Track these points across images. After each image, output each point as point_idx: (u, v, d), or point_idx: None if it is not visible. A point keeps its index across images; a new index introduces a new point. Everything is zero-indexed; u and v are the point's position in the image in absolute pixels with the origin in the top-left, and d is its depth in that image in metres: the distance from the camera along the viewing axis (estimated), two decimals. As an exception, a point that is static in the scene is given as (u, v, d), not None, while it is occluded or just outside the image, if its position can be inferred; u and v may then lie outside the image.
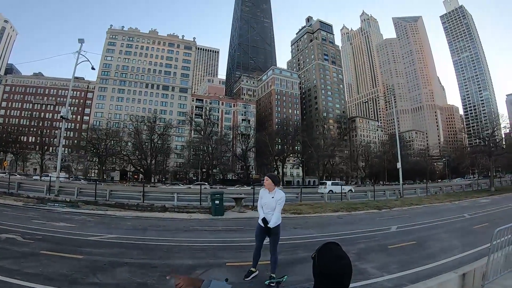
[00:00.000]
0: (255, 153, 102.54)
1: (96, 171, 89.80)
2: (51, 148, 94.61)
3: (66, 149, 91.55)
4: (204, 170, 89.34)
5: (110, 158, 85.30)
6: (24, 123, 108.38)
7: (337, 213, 19.03)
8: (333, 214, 18.66)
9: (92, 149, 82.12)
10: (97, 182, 37.95)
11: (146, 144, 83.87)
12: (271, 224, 5.80)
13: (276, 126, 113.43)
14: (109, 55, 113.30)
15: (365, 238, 10.72)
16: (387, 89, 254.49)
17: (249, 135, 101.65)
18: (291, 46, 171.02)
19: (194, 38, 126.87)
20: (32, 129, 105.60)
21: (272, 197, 5.86)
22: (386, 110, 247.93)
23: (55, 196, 23.99)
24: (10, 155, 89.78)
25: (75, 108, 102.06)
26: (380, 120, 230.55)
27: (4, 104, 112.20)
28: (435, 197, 30.65)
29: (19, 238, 9.20)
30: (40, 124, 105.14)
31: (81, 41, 28.24)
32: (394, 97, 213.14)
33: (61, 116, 28.13)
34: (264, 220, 5.84)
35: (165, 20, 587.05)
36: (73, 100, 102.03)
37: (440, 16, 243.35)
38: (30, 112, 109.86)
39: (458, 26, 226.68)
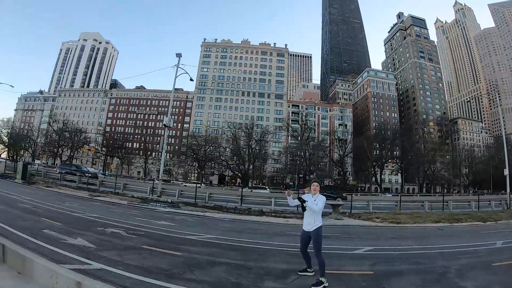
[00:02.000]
0: (353, 158, 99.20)
1: (196, 175, 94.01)
2: (153, 153, 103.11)
3: (168, 154, 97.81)
4: (301, 175, 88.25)
5: (209, 163, 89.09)
6: (129, 131, 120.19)
7: (438, 224, 17.80)
8: (434, 225, 17.53)
9: (192, 154, 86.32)
10: (197, 185, 38.83)
11: (244, 149, 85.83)
12: (310, 228, 6.25)
13: (374, 131, 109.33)
14: (205, 67, 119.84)
15: (467, 253, 9.92)
16: (490, 85, 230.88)
17: (346, 140, 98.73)
18: (384, 45, 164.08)
19: (286, 45, 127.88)
20: (136, 137, 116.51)
21: (315, 200, 6.24)
22: (491, 109, 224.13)
23: (157, 197, 25.48)
24: (116, 159, 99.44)
25: (176, 117, 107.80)
26: (485, 120, 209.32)
27: (110, 114, 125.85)
28: None
29: (123, 233, 9.89)
30: (144, 132, 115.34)
31: (178, 55, 29.94)
32: (499, 93, 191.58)
33: (164, 124, 29.79)
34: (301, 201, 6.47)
35: (256, 29, 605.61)
36: (174, 110, 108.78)
37: None
38: (134, 121, 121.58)
39: None
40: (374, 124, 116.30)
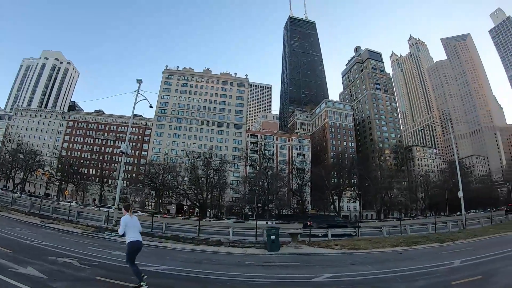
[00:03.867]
0: (311, 187, 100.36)
1: (153, 203, 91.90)
2: (110, 180, 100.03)
3: (125, 182, 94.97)
4: (259, 205, 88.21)
5: (166, 192, 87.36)
6: (86, 156, 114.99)
7: (397, 248, 18.26)
8: (393, 249, 17.92)
9: (150, 182, 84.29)
10: (154, 214, 38.45)
11: (202, 179, 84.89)
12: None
13: (332, 160, 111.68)
14: (165, 94, 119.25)
15: (427, 274, 10.30)
16: (443, 114, 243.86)
17: (305, 170, 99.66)
18: (342, 77, 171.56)
19: (246, 75, 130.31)
20: (93, 162, 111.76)
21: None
22: (443, 136, 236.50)
23: (112, 226, 24.84)
24: (71, 185, 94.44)
25: (134, 144, 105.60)
26: (438, 147, 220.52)
27: (67, 138, 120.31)
28: (501, 226, 29.26)
29: (76, 263, 9.57)
30: (101, 158, 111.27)
31: (139, 81, 29.73)
32: (451, 121, 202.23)
33: (121, 151, 29.23)
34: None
35: (218, 59, 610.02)
36: (132, 136, 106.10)
37: (489, 31, 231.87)
38: (91, 146, 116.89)
39: (509, 39, 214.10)
40: (331, 153, 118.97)
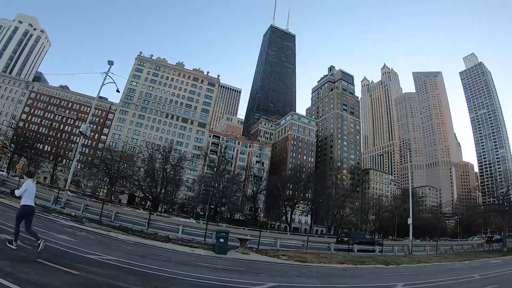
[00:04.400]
0: (266, 195, 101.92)
1: (105, 191, 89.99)
2: (64, 160, 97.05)
3: (79, 164, 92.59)
4: (212, 206, 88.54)
5: (120, 181, 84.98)
6: (43, 131, 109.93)
7: (343, 265, 18.59)
8: (339, 266, 18.29)
9: (105, 168, 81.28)
10: (104, 202, 37.90)
11: (159, 172, 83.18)
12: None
13: (289, 171, 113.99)
14: (134, 81, 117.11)
15: None
16: (403, 143, 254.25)
17: (262, 178, 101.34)
18: (312, 93, 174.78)
19: (218, 75, 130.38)
20: (49, 139, 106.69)
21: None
22: (401, 164, 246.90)
23: (61, 208, 24.63)
24: (23, 159, 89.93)
25: (94, 126, 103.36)
26: (394, 173, 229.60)
27: (27, 109, 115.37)
28: (444, 256, 30.55)
29: (19, 242, 9.00)
30: (58, 136, 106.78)
31: (110, 63, 29.15)
32: (410, 151, 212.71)
33: (80, 132, 28.99)
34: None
35: (192, 53, 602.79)
36: (94, 118, 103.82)
37: (460, 73, 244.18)
38: (50, 122, 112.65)
39: (477, 83, 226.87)
40: (290, 165, 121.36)
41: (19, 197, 8.88)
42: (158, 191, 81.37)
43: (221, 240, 17.67)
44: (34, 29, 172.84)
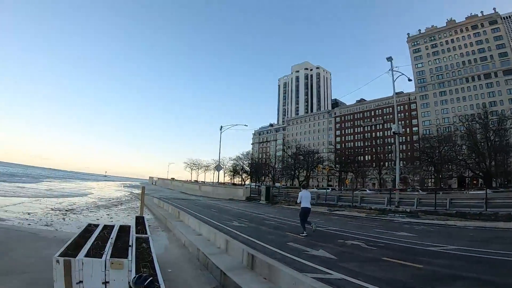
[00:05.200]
0: None
1: (433, 180, 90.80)
2: (386, 163, 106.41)
3: (401, 162, 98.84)
4: None
5: (446, 165, 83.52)
6: (359, 145, 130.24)
7: None
8: None
9: (427, 158, 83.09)
10: (436, 191, 37.93)
11: (482, 144, 75.72)
12: None
13: None
14: (418, 62, 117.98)
15: None
16: None
17: None
18: None
19: (494, 8, 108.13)
20: (367, 149, 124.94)
21: None
22: None
23: (395, 207, 26.66)
24: (350, 174, 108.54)
25: (403, 122, 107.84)
26: None
27: (338, 132, 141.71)
28: None
29: (363, 245, 10.39)
30: (373, 143, 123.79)
31: (389, 59, 31.25)
32: None
33: (393, 132, 31.42)
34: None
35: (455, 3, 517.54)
36: (399, 115, 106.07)
37: None
38: (362, 135, 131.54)
39: None
40: None
41: (299, 203, 13.21)
42: (487, 165, 74.54)
43: None
44: (310, 70, 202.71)
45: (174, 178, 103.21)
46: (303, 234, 12.34)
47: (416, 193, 52.19)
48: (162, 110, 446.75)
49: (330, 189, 74.27)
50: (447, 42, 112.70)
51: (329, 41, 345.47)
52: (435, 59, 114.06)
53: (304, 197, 13.10)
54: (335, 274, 6.39)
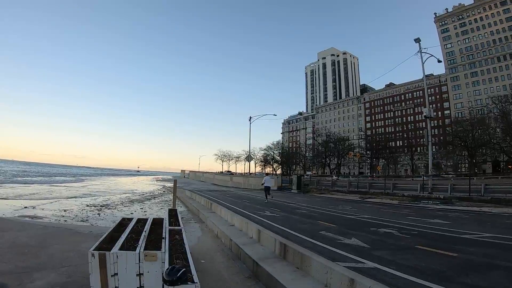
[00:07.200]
0: None
1: (466, 165, 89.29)
2: (419, 148, 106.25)
3: (434, 146, 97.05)
4: None
5: (479, 150, 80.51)
6: (390, 130, 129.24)
7: None
8: None
9: (460, 142, 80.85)
10: (470, 177, 37.30)
11: None
12: None
13: None
14: (447, 43, 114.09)
15: None
16: None
17: None
18: None
19: None
20: (398, 134, 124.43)
21: None
22: None
23: (428, 194, 26.44)
24: (381, 160, 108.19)
25: (434, 105, 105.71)
26: None
27: (368, 118, 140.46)
28: None
29: (396, 233, 10.30)
30: (405, 128, 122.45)
31: (417, 40, 30.67)
32: None
33: (425, 116, 30.67)
34: None
35: None
36: (430, 98, 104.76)
37: None
38: (392, 120, 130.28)
39: None
40: None
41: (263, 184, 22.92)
42: (523, 147, 70.93)
43: None
44: (337, 56, 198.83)
45: (207, 171, 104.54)
46: (266, 201, 21.32)
47: (447, 176, 49.88)
48: (192, 106, 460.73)
49: (364, 175, 74.37)
50: (476, 20, 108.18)
51: (355, 25, 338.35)
52: (465, 39, 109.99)
53: (267, 180, 22.96)
54: (368, 263, 6.43)
